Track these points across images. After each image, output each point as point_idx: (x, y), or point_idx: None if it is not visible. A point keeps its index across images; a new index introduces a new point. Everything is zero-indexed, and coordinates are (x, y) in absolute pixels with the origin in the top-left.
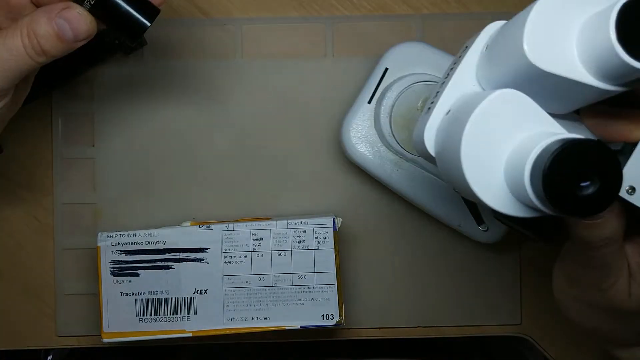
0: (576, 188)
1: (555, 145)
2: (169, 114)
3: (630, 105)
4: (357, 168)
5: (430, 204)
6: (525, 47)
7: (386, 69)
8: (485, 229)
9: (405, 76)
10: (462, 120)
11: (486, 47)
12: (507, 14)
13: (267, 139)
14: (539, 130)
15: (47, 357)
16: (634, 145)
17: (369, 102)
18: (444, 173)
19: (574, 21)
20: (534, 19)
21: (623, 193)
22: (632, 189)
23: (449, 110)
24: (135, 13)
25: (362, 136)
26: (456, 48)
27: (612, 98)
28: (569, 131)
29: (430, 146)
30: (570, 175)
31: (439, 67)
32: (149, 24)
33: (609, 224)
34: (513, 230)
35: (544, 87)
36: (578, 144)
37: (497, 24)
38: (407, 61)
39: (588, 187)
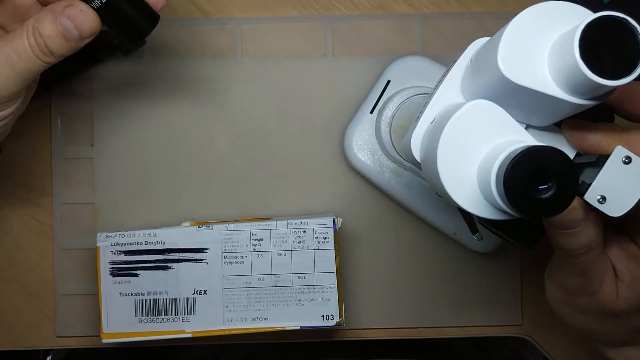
0: (535, 191)
1: (517, 151)
2: (169, 114)
3: (607, 116)
4: None
5: (427, 212)
6: (499, 61)
7: (388, 81)
8: (480, 238)
9: (406, 89)
10: (440, 129)
11: (470, 61)
12: (508, 14)
13: (267, 138)
14: (507, 139)
15: (47, 358)
16: (607, 157)
17: (371, 112)
18: (427, 177)
19: (545, 40)
20: (507, 37)
21: (594, 202)
22: (603, 198)
23: (434, 119)
24: (138, 17)
25: (363, 144)
26: (457, 48)
27: (591, 110)
28: (548, 143)
29: (417, 152)
30: (528, 179)
31: None
32: (151, 29)
33: (586, 231)
34: (495, 234)
35: (520, 100)
36: (535, 150)
37: (482, 40)
38: (409, 74)
39: (546, 190)
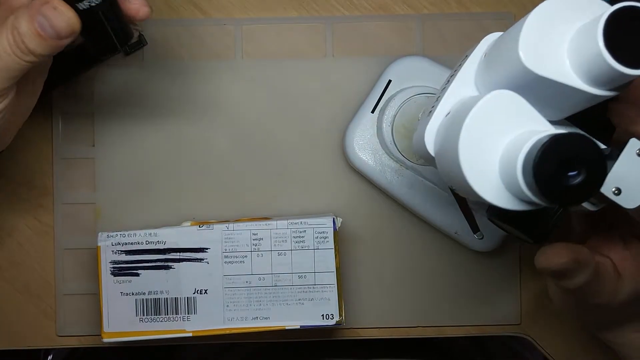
0: (564, 177)
1: (545, 139)
2: (169, 114)
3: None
4: None
5: (428, 211)
6: (521, 52)
7: (390, 81)
8: (481, 237)
9: (408, 88)
10: (460, 120)
11: (485, 55)
12: (506, 14)
13: (267, 138)
14: (530, 128)
15: (48, 357)
16: (621, 150)
17: (372, 112)
18: (442, 172)
19: (566, 31)
20: (528, 28)
21: (610, 194)
22: (619, 190)
23: (449, 113)
24: (116, 33)
25: (364, 144)
26: (456, 49)
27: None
28: None
29: (431, 146)
30: (558, 166)
31: (440, 81)
32: (118, 50)
33: (581, 274)
34: (504, 230)
35: (538, 92)
36: (565, 137)
37: (496, 35)
38: (410, 74)
39: (575, 177)
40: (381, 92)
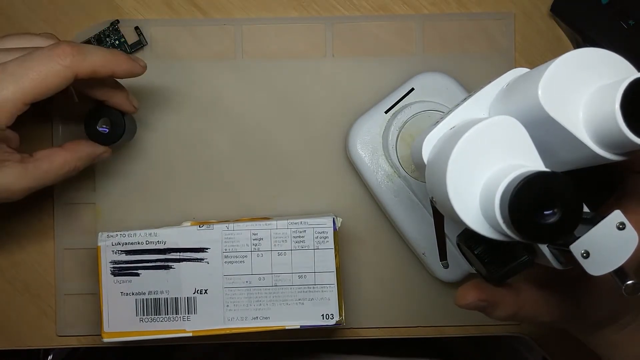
0: (539, 216)
1: (523, 176)
2: (169, 114)
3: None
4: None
5: (404, 224)
6: (540, 89)
7: (412, 89)
8: (446, 266)
9: (427, 101)
10: (460, 135)
11: (507, 85)
12: (506, 14)
13: (267, 139)
14: (517, 161)
15: (48, 357)
16: (603, 217)
17: (386, 112)
18: (428, 182)
19: (589, 84)
20: (555, 68)
21: (578, 255)
22: (587, 254)
23: (453, 127)
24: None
25: (368, 140)
26: (456, 49)
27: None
28: None
29: (426, 152)
30: (533, 204)
31: None
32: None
33: (496, 313)
34: (468, 261)
35: (545, 135)
36: (541, 175)
37: (524, 70)
38: (433, 89)
39: (550, 216)
40: (401, 96)
